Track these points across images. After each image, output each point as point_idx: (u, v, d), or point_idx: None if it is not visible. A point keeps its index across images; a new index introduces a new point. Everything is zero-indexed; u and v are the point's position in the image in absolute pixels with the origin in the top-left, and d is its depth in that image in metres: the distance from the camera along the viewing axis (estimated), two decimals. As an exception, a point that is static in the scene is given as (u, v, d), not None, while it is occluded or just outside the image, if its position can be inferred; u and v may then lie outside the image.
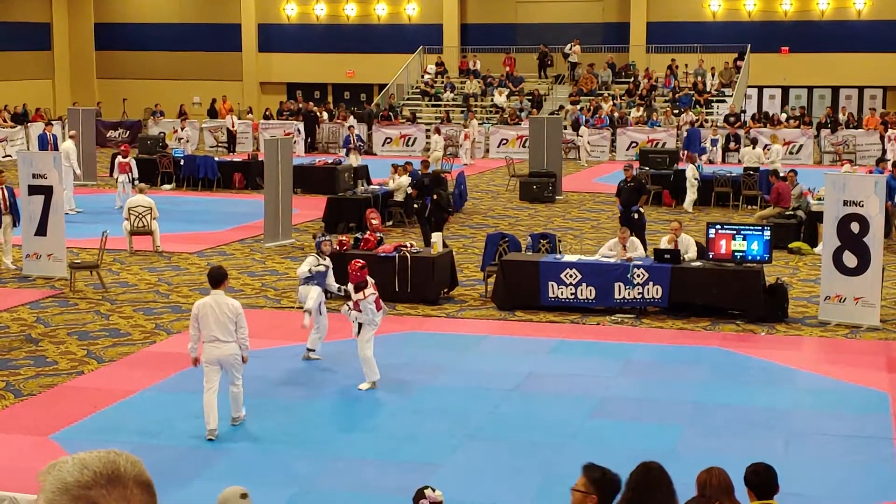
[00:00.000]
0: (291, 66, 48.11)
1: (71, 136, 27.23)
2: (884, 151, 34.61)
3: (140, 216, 20.86)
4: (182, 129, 36.66)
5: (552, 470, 10.48)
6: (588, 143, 36.49)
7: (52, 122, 34.65)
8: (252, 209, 25.06)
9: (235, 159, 33.10)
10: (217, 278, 11.34)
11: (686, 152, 34.11)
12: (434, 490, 7.09)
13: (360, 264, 13.00)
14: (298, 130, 39.29)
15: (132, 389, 12.67)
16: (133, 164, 26.47)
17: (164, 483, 9.92)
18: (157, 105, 43.64)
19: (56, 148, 28.78)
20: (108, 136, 40.88)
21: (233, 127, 39.78)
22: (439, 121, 39.93)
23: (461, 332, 15.41)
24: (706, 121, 38.55)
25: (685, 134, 35.78)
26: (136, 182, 26.01)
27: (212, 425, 11.12)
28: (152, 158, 31.04)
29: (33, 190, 18.58)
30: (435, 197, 21.22)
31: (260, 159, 27.78)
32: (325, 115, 40.83)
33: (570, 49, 43.48)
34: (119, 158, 26.59)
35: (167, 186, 30.16)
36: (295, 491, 9.89)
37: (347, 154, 30.42)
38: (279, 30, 48.41)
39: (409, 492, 7.48)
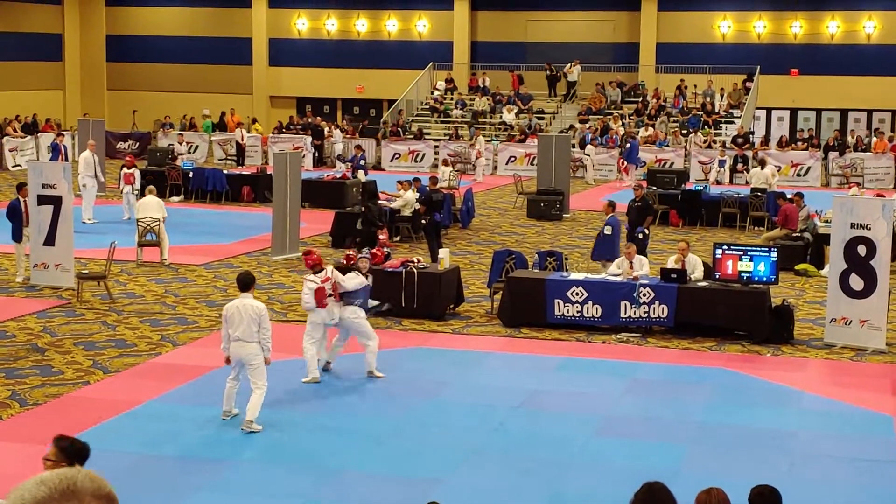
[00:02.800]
0: (301, 81, 48.28)
1: (90, 147, 27.24)
2: None
3: (148, 227, 20.91)
4: (180, 144, 36.72)
5: (556, 487, 10.48)
6: (595, 161, 36.57)
7: (64, 133, 34.76)
8: (260, 222, 25.12)
9: (244, 172, 33.21)
10: (244, 282, 12.01)
11: (626, 163, 34.62)
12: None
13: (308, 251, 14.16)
14: (307, 144, 39.40)
15: (137, 400, 12.69)
16: (137, 174, 26.53)
17: (167, 494, 9.95)
18: (166, 117, 43.79)
19: (67, 158, 28.90)
20: (117, 147, 41.03)
21: (242, 140, 39.90)
22: (447, 137, 40.08)
23: (467, 349, 15.41)
24: (714, 141, 38.59)
25: (627, 146, 36.05)
26: (138, 192, 26.07)
27: (224, 407, 12.01)
28: (161, 170, 31.13)
29: (42, 200, 18.65)
30: (363, 209, 21.31)
31: (268, 173, 27.85)
32: (336, 130, 40.91)
33: (569, 69, 43.64)
34: (124, 170, 26.67)
35: (176, 199, 30.23)
36: (298, 504, 9.90)
37: (354, 173, 30.50)
38: (290, 44, 48.59)
39: (412, 507, 7.49)
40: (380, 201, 25.41)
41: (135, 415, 12.26)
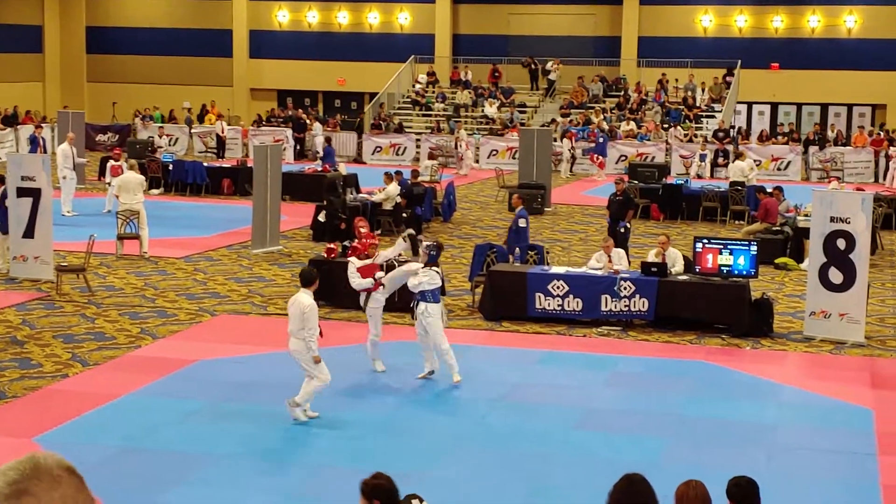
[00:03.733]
0: (282, 73, 48.14)
1: (69, 139, 27.10)
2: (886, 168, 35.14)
3: (127, 219, 20.84)
4: (160, 138, 36.55)
5: (536, 480, 10.50)
6: (571, 153, 36.59)
7: (42, 125, 34.58)
8: (240, 215, 25.05)
9: (224, 165, 33.11)
10: (304, 278, 11.83)
11: (600, 157, 34.86)
12: (422, 501, 7.06)
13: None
14: (288, 137, 39.30)
15: (116, 393, 12.65)
16: (124, 166, 26.39)
17: (146, 487, 9.92)
18: (146, 109, 43.63)
19: (46, 150, 28.75)
20: (97, 139, 40.86)
21: (222, 133, 39.78)
22: (429, 130, 40.09)
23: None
24: (695, 135, 38.69)
25: (600, 140, 36.22)
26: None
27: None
28: (141, 163, 30.95)
29: (22, 192, 18.55)
30: (325, 202, 21.26)
31: (249, 165, 27.78)
32: (317, 123, 40.82)
33: (551, 67, 43.69)
34: (111, 162, 26.53)
35: (156, 191, 30.11)
36: (279, 499, 9.88)
37: (335, 166, 30.49)
38: (271, 36, 48.44)
39: (392, 500, 7.47)
40: (360, 194, 25.40)
41: (114, 408, 12.21)
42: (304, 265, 17.11)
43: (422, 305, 13.34)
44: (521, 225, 18.15)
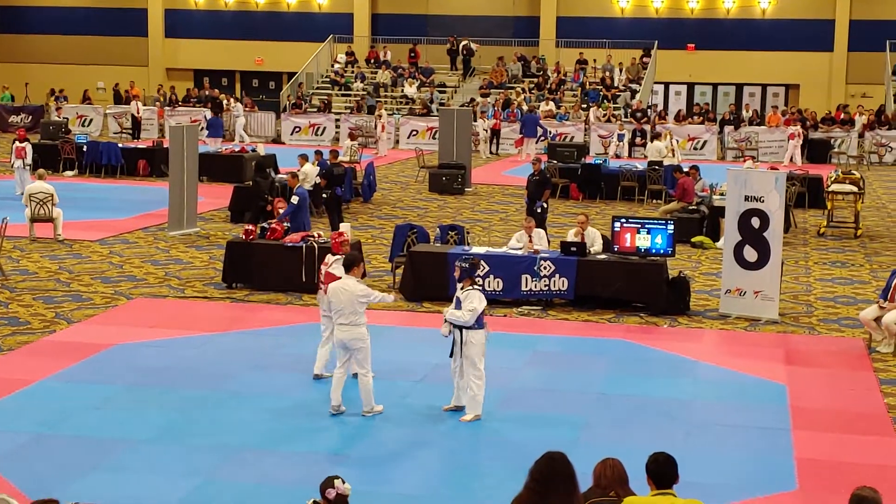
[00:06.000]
0: (199, 53, 47.53)
1: None
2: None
3: (41, 203, 20.44)
4: (59, 117, 35.79)
5: (457, 460, 10.52)
6: (485, 131, 36.57)
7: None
8: (156, 197, 24.71)
9: (140, 146, 32.63)
10: (347, 264, 11.57)
11: (523, 137, 35.07)
12: (343, 482, 7.04)
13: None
14: (205, 118, 38.82)
15: (31, 379, 12.41)
16: (28, 149, 25.90)
17: (62, 474, 9.75)
18: (61, 91, 42.78)
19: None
20: (9, 121, 40.00)
21: (138, 113, 39.17)
22: (349, 110, 39.88)
23: (368, 323, 15.33)
24: (613, 116, 39.00)
25: (523, 119, 36.49)
26: (30, 167, 25.42)
27: (333, 402, 11.48)
28: (54, 144, 30.42)
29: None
30: (250, 183, 21.09)
31: (165, 146, 27.41)
32: (234, 103, 40.37)
33: (475, 48, 43.74)
34: (16, 143, 26.01)
35: (69, 173, 29.60)
36: (198, 482, 9.78)
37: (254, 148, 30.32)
38: (187, 15, 47.77)
39: (312, 483, 7.44)
40: (279, 175, 25.16)
41: (29, 394, 11.99)
42: (222, 246, 16.95)
43: (463, 333, 11.42)
44: (292, 201, 18.35)
